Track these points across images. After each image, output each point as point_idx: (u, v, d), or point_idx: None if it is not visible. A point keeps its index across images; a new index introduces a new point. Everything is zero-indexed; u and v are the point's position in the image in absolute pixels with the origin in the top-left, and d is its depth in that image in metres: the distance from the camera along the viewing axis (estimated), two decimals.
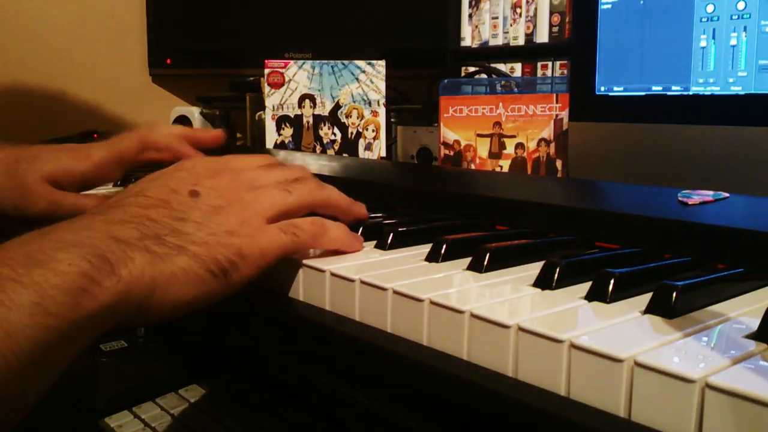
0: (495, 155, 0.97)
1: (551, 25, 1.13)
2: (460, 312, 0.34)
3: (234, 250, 0.40)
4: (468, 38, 1.22)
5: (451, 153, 0.99)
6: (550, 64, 1.15)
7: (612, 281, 0.36)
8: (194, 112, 1.55)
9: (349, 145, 1.16)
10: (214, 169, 0.45)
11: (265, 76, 1.17)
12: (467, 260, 0.44)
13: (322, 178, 0.51)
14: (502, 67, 1.18)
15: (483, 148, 0.97)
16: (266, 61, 1.17)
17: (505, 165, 0.96)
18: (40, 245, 0.34)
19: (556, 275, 0.39)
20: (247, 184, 0.45)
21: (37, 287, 0.32)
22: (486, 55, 1.20)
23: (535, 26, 1.15)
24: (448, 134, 0.99)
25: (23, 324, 0.31)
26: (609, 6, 0.80)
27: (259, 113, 1.28)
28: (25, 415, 0.33)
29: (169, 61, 1.66)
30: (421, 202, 0.63)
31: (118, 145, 0.66)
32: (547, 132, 0.93)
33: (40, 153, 0.64)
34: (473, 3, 1.21)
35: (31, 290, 0.31)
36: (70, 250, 0.34)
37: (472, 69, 1.18)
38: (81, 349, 0.34)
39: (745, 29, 0.70)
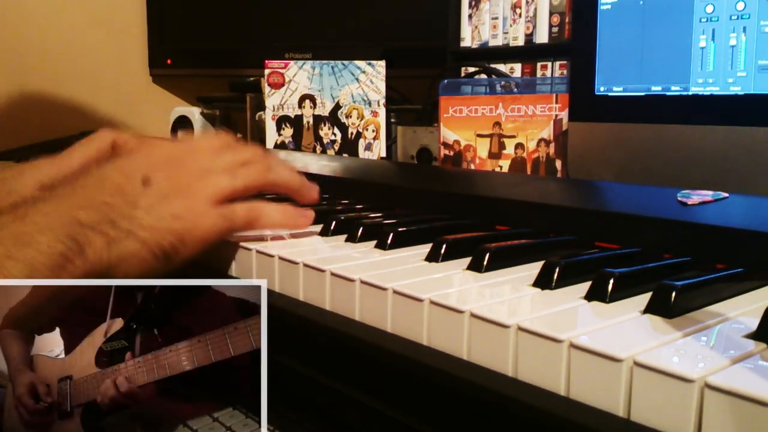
0: (495, 155, 0.97)
1: (551, 26, 1.13)
2: (460, 312, 0.34)
3: (177, 236, 0.46)
4: (468, 38, 1.22)
5: (451, 153, 0.99)
6: (549, 64, 1.15)
7: (611, 281, 0.36)
8: (194, 113, 1.55)
9: (349, 146, 1.16)
10: (168, 156, 0.50)
11: (266, 77, 1.17)
12: (467, 260, 0.44)
13: (322, 178, 0.51)
14: (501, 67, 1.18)
15: (483, 149, 0.97)
16: (266, 61, 1.17)
17: (504, 165, 0.96)
18: (23, 228, 0.42)
19: (555, 275, 0.39)
20: (197, 171, 0.49)
21: (28, 263, 0.40)
22: (486, 55, 1.20)
23: (534, 27, 1.15)
24: (448, 134, 0.99)
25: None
26: (609, 6, 0.80)
27: (259, 113, 1.28)
28: None
29: (169, 61, 1.66)
30: (421, 202, 0.63)
31: (93, 146, 0.68)
32: (547, 132, 0.93)
33: (22, 169, 0.66)
34: (473, 3, 1.21)
35: (23, 265, 0.40)
36: (46, 233, 0.42)
37: (471, 69, 1.18)
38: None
39: (744, 30, 0.70)
